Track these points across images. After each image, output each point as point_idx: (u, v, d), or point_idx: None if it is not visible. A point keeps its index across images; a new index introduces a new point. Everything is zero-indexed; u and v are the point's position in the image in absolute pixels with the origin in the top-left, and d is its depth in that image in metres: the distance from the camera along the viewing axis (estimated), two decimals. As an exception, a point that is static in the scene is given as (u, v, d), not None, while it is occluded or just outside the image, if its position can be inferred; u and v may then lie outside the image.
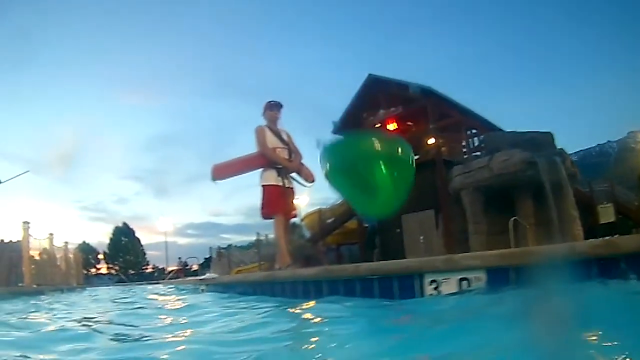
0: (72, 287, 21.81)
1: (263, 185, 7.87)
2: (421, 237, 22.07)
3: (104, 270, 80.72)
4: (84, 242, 73.82)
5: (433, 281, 3.96)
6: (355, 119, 27.75)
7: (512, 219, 13.75)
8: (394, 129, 26.65)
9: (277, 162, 7.77)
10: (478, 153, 21.69)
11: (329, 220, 30.22)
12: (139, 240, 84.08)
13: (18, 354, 2.99)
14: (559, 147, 17.36)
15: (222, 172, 8.08)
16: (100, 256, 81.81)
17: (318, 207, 31.84)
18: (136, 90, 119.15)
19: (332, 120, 28.39)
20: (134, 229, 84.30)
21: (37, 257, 20.04)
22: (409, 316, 3.74)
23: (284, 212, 7.79)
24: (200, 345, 3.04)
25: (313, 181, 8.15)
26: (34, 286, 16.83)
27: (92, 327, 4.72)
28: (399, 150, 3.69)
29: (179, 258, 50.13)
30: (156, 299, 9.45)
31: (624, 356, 1.81)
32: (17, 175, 21.94)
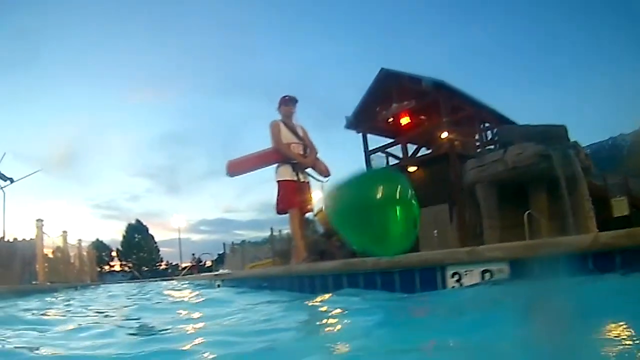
0: (86, 284, 21.88)
1: (278, 181, 7.85)
2: (435, 231, 21.98)
3: (117, 268, 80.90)
4: (97, 239, 74.20)
5: (455, 273, 3.93)
6: (368, 114, 27.63)
7: (527, 212, 13.66)
8: (407, 123, 26.55)
9: (292, 157, 7.75)
10: (491, 147, 21.58)
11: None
12: (152, 237, 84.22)
13: (37, 350, 2.99)
14: (572, 140, 17.24)
15: (237, 167, 8.07)
16: (114, 253, 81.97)
17: (331, 202, 31.74)
18: (146, 88, 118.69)
19: (345, 115, 28.32)
20: (148, 226, 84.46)
21: (50, 255, 20.10)
22: (429, 308, 3.73)
23: (300, 207, 7.77)
24: (219, 337, 3.03)
25: (328, 176, 8.14)
26: (48, 284, 16.89)
27: (110, 322, 4.74)
28: (403, 192, 3.63)
29: (193, 254, 50.20)
30: (172, 295, 9.46)
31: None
32: (29, 175, 21.94)
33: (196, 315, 4.85)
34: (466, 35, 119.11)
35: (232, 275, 12.18)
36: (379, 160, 27.73)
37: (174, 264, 76.29)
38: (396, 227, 3.51)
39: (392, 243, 3.61)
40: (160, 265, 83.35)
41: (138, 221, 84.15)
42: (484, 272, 3.79)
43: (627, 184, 23.50)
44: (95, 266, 34.46)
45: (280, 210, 7.87)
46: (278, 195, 7.84)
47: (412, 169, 25.88)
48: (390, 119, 26.97)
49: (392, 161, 27.60)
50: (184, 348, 2.75)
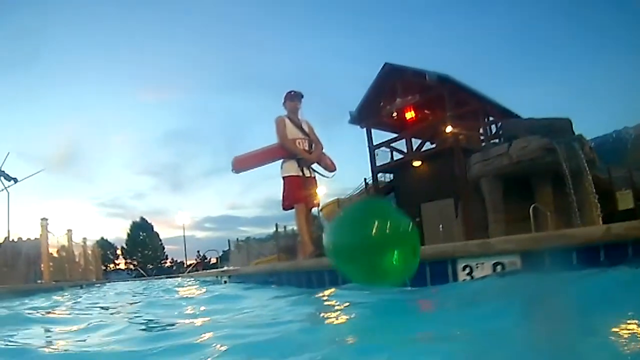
0: (91, 283, 21.93)
1: (284, 177, 7.83)
2: (440, 226, 21.96)
3: (122, 266, 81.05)
4: (102, 238, 74.36)
5: (466, 266, 3.90)
6: (372, 109, 27.66)
7: (532, 206, 13.64)
8: (411, 118, 26.57)
9: (297, 153, 7.72)
10: (496, 140, 21.57)
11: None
12: (157, 234, 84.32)
13: (50, 347, 2.98)
14: (577, 133, 17.21)
15: (242, 163, 8.04)
16: (119, 251, 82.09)
17: (336, 197, 31.89)
18: (150, 86, 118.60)
19: (349, 110, 28.31)
20: (153, 224, 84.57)
21: (55, 254, 20.13)
22: (440, 300, 3.70)
23: (306, 202, 7.75)
24: (229, 331, 3.02)
25: (334, 170, 8.12)
26: (53, 282, 16.91)
27: (120, 318, 4.73)
28: (402, 226, 3.61)
29: (198, 251, 50.47)
30: (180, 292, 9.45)
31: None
32: (33, 174, 22.00)
33: (205, 310, 4.85)
34: (470, 29, 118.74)
35: (239, 271, 12.16)
36: (383, 154, 27.74)
37: (179, 261, 76.54)
38: (397, 264, 3.51)
39: (393, 278, 3.63)
40: (166, 262, 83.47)
41: (143, 219, 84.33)
42: (495, 264, 3.77)
43: (631, 177, 23.47)
44: (101, 264, 34.53)
45: (286, 206, 7.85)
46: (284, 191, 7.82)
47: (416, 163, 25.89)
48: (395, 114, 27.01)
49: (397, 156, 27.62)
50: (195, 342, 2.74)
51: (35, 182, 23.29)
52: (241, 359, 2.31)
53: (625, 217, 18.59)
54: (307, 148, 7.83)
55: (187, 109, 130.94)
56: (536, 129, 16.34)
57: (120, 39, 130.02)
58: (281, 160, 7.85)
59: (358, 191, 31.27)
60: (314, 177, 7.94)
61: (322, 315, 3.59)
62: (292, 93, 8.02)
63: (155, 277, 42.78)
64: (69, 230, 22.53)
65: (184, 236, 67.69)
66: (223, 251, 38.02)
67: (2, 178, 20.26)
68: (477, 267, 3.84)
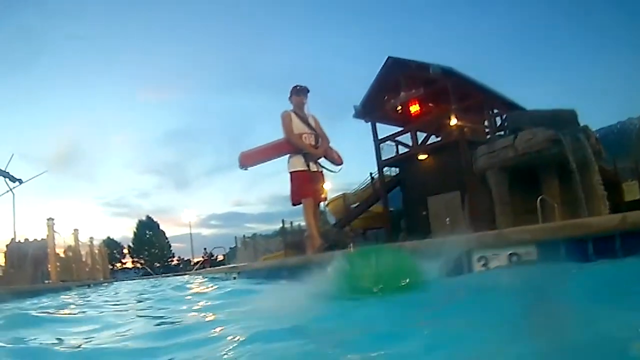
0: (98, 282, 21.98)
1: (291, 172, 7.81)
2: (447, 219, 21.95)
3: (129, 265, 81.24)
4: (108, 237, 74.47)
5: (481, 257, 3.88)
6: (377, 103, 27.65)
7: (540, 197, 13.60)
8: (416, 111, 26.56)
9: (303, 148, 7.70)
10: (501, 133, 21.54)
11: (354, 205, 30.24)
12: (163, 233, 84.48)
13: (65, 346, 2.97)
14: (582, 125, 17.16)
15: (250, 158, 8.03)
16: (125, 250, 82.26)
17: (342, 192, 31.90)
18: (152, 86, 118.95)
19: (354, 105, 28.29)
20: (158, 222, 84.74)
21: (62, 255, 20.17)
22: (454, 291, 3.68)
23: (313, 197, 7.74)
24: (244, 325, 3.01)
25: (341, 164, 8.11)
26: (60, 282, 16.94)
27: (132, 315, 4.72)
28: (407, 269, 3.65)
29: (205, 249, 50.45)
30: (190, 288, 9.47)
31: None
32: (37, 175, 21.99)
33: (218, 305, 4.86)
34: (472, 28, 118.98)
35: (248, 267, 12.13)
36: (388, 148, 27.75)
37: (185, 259, 76.62)
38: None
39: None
40: (172, 260, 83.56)
41: (149, 218, 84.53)
42: (510, 255, 3.74)
43: (637, 168, 23.43)
44: (108, 264, 34.58)
45: (295, 201, 7.84)
46: (292, 186, 7.80)
47: (422, 157, 25.89)
48: (399, 108, 26.98)
49: (402, 149, 27.63)
50: (209, 337, 2.76)
51: (40, 183, 23.34)
52: (259, 353, 2.31)
53: (631, 208, 18.43)
54: (313, 143, 7.82)
55: (190, 107, 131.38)
56: (541, 120, 16.29)
57: (121, 39, 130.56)
58: (288, 155, 7.84)
59: (364, 186, 31.26)
60: (321, 172, 7.92)
61: (335, 307, 3.57)
62: (298, 88, 8.01)
63: (163, 275, 42.85)
64: (76, 230, 22.59)
65: (190, 234, 67.70)
66: (230, 248, 38.00)
67: (6, 179, 20.26)
68: (492, 258, 3.81)
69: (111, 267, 49.60)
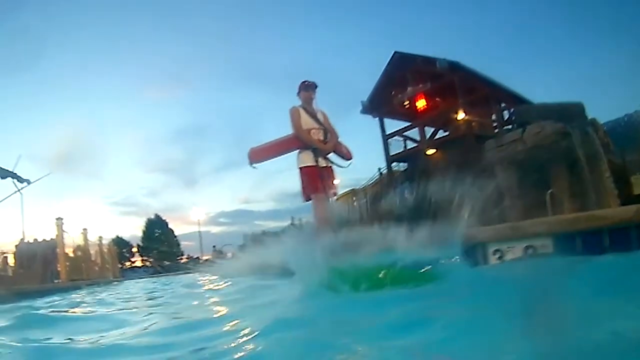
0: (108, 281, 22.02)
1: (300, 168, 7.79)
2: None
3: (138, 263, 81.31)
4: (117, 236, 74.54)
5: (497, 250, 3.86)
6: (384, 98, 27.62)
7: (549, 191, 13.55)
8: (423, 106, 26.52)
9: (312, 143, 7.68)
10: (509, 126, 21.50)
11: (362, 201, 30.27)
12: (172, 231, 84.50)
13: (76, 342, 2.97)
14: (590, 117, 17.12)
15: (258, 155, 8.01)
16: (134, 249, 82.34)
17: (351, 188, 31.90)
18: (160, 84, 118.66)
19: (361, 100, 28.26)
20: (167, 220, 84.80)
21: (71, 254, 20.24)
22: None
23: (324, 192, 7.71)
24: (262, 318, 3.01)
25: (350, 159, 8.09)
26: (70, 282, 16.98)
27: (147, 312, 4.72)
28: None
29: (214, 246, 50.45)
30: (203, 285, 9.49)
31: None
32: (44, 176, 22.02)
33: (231, 300, 4.86)
34: (477, 14, 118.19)
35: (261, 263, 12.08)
36: (396, 144, 27.71)
37: (195, 257, 76.63)
38: None
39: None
40: (182, 259, 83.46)
41: (157, 216, 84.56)
42: (526, 248, 3.72)
43: (646, 161, 23.29)
44: (117, 263, 34.66)
45: (306, 198, 7.82)
46: (302, 182, 7.78)
47: (430, 151, 25.85)
48: (406, 103, 26.92)
49: (410, 144, 27.60)
50: (226, 330, 2.76)
51: (48, 183, 23.36)
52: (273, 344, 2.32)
53: (640, 200, 18.45)
54: (322, 138, 7.78)
55: (197, 105, 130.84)
56: (549, 113, 16.22)
57: (128, 37, 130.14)
58: (297, 151, 7.82)
59: (372, 181, 31.24)
60: (330, 167, 7.90)
61: (354, 297, 3.60)
62: (306, 83, 7.97)
63: (173, 273, 42.94)
64: (85, 229, 22.67)
65: (199, 232, 67.84)
66: (239, 245, 38.01)
67: (14, 180, 20.32)
68: (507, 251, 3.79)
69: (120, 266, 49.65)
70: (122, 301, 7.10)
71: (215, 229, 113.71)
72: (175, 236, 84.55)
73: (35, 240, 20.55)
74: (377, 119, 28.24)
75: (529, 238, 3.72)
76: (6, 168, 19.60)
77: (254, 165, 7.99)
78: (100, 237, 26.11)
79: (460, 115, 24.03)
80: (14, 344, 3.10)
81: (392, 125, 28.46)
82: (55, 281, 17.92)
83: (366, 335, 2.52)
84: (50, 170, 22.69)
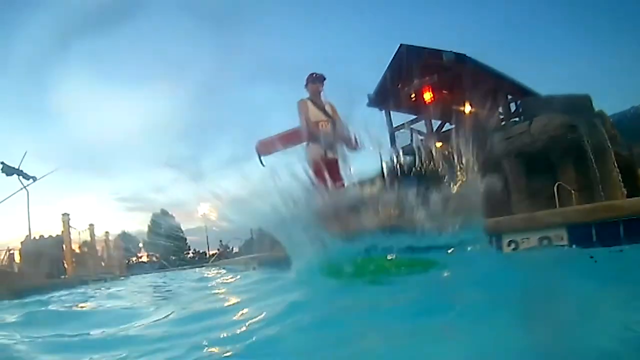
0: (115, 277, 22.01)
1: (308, 160, 7.77)
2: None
3: (144, 259, 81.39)
4: (123, 231, 74.54)
5: (511, 242, 3.83)
6: (390, 91, 27.55)
7: (557, 184, 13.52)
8: (430, 98, 26.44)
9: (320, 136, 7.66)
10: (516, 119, 21.45)
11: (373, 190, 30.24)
12: (179, 226, 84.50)
13: (85, 336, 2.96)
14: (597, 110, 17.09)
15: (267, 147, 8.00)
16: (141, 244, 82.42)
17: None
18: (165, 79, 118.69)
19: (367, 93, 28.20)
20: (174, 216, 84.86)
21: (77, 250, 20.29)
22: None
23: (332, 184, 7.69)
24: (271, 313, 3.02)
25: (360, 149, 8.06)
26: (77, 277, 17.01)
27: (160, 305, 4.71)
28: None
29: (220, 241, 50.58)
30: (213, 279, 9.49)
31: None
32: (49, 173, 22.08)
33: (241, 295, 4.85)
34: (485, 7, 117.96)
35: (269, 257, 12.02)
36: (403, 137, 27.66)
37: (201, 252, 76.76)
38: None
39: None
40: (188, 254, 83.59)
41: (164, 211, 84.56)
42: (541, 239, 3.69)
43: (653, 154, 23.23)
44: (124, 258, 34.71)
45: (315, 191, 7.79)
46: (310, 174, 7.76)
47: (437, 144, 25.82)
48: (413, 95, 26.86)
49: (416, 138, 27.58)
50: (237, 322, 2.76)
51: (53, 179, 23.41)
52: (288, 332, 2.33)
53: (647, 193, 18.40)
54: (330, 130, 7.77)
55: (204, 99, 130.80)
56: (556, 106, 16.23)
57: (132, 32, 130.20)
58: (305, 144, 7.81)
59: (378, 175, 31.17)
60: (338, 159, 7.88)
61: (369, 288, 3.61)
62: (314, 75, 7.97)
63: (179, 268, 43.05)
64: (91, 225, 22.69)
65: (205, 227, 67.98)
66: (245, 240, 38.00)
67: (20, 177, 20.37)
68: (522, 242, 3.77)
69: (127, 261, 49.78)
70: (132, 294, 7.11)
71: (221, 224, 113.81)
72: (182, 231, 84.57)
73: (42, 236, 20.62)
74: (383, 111, 28.20)
75: (544, 229, 3.69)
76: (12, 165, 19.66)
77: (263, 163, 7.99)
78: (107, 233, 26.18)
79: (467, 108, 23.96)
80: (29, 338, 3.10)
81: (399, 118, 28.43)
82: (62, 277, 17.96)
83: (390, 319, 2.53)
84: (56, 167, 22.84)
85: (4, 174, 19.91)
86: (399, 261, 3.94)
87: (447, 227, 3.85)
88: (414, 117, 27.58)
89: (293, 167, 5.40)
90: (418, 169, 4.51)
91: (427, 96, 26.36)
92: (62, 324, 3.74)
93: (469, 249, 3.98)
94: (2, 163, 19.93)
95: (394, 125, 27.99)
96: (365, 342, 2.37)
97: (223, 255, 39.31)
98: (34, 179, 20.30)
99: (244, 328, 2.76)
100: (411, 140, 27.31)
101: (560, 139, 15.12)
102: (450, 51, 23.58)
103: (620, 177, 15.76)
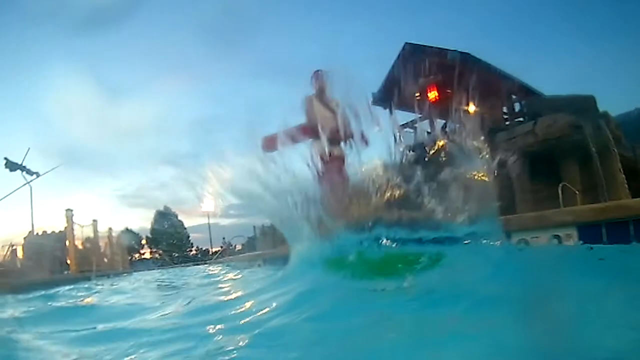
0: (118, 273, 22.02)
1: (313, 157, 7.74)
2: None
3: (147, 255, 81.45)
4: (126, 228, 74.65)
5: (521, 240, 3.81)
6: (394, 89, 27.55)
7: (561, 184, 13.49)
8: (435, 97, 26.42)
9: (325, 132, 7.64)
10: (520, 119, 21.43)
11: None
12: (182, 223, 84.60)
13: (88, 332, 2.96)
14: (602, 110, 17.06)
15: (271, 144, 7.98)
16: (143, 241, 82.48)
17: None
18: (171, 76, 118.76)
19: (372, 92, 28.19)
20: (177, 213, 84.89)
21: (80, 247, 20.28)
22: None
23: (337, 181, 7.67)
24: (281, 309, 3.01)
25: (365, 146, 8.04)
26: (80, 273, 17.01)
27: (165, 302, 4.70)
28: None
29: (223, 238, 50.66)
30: (214, 277, 9.48)
31: None
32: (52, 169, 22.14)
33: (248, 291, 4.85)
34: (489, 6, 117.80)
35: (275, 253, 11.99)
36: (407, 136, 27.66)
37: (204, 249, 76.92)
38: None
39: None
40: (191, 251, 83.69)
41: (166, 208, 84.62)
42: (551, 238, 3.68)
43: (657, 155, 23.17)
44: (126, 254, 34.74)
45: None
46: (315, 171, 7.74)
47: (441, 143, 25.83)
48: (417, 94, 26.87)
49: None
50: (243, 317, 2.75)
51: (56, 175, 23.46)
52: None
53: (651, 195, 18.35)
54: (335, 127, 7.75)
55: (207, 96, 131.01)
56: (561, 106, 16.20)
57: (134, 29, 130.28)
58: (310, 140, 7.78)
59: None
60: (344, 156, 7.86)
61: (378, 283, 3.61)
62: (320, 72, 7.95)
63: (182, 265, 43.08)
64: (95, 221, 22.68)
65: (208, 224, 67.96)
66: (248, 237, 37.98)
67: (24, 173, 20.42)
68: (532, 241, 3.74)
69: (130, 257, 49.86)
70: (137, 289, 7.11)
71: (224, 221, 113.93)
72: (185, 228, 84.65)
73: (44, 232, 20.64)
74: (387, 110, 28.27)
75: (554, 228, 3.68)
76: (15, 161, 19.68)
77: (268, 159, 7.96)
78: (110, 229, 26.19)
79: (471, 107, 23.96)
80: (35, 333, 3.10)
81: (404, 117, 28.43)
82: (65, 272, 17.96)
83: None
84: (60, 163, 22.87)
85: (7, 170, 19.96)
86: (406, 252, 3.91)
87: (458, 217, 3.81)
88: (419, 115, 27.58)
89: (298, 163, 5.32)
90: (425, 159, 4.49)
91: (432, 95, 26.35)
92: (68, 318, 3.74)
93: (483, 241, 3.95)
94: (6, 159, 19.99)
95: (399, 124, 28.00)
96: (371, 332, 2.37)
97: (226, 253, 39.28)
98: (37, 174, 20.35)
99: (251, 319, 2.76)
100: (415, 137, 27.36)
101: (565, 140, 15.10)
102: (455, 50, 23.60)
103: (624, 178, 15.74)
